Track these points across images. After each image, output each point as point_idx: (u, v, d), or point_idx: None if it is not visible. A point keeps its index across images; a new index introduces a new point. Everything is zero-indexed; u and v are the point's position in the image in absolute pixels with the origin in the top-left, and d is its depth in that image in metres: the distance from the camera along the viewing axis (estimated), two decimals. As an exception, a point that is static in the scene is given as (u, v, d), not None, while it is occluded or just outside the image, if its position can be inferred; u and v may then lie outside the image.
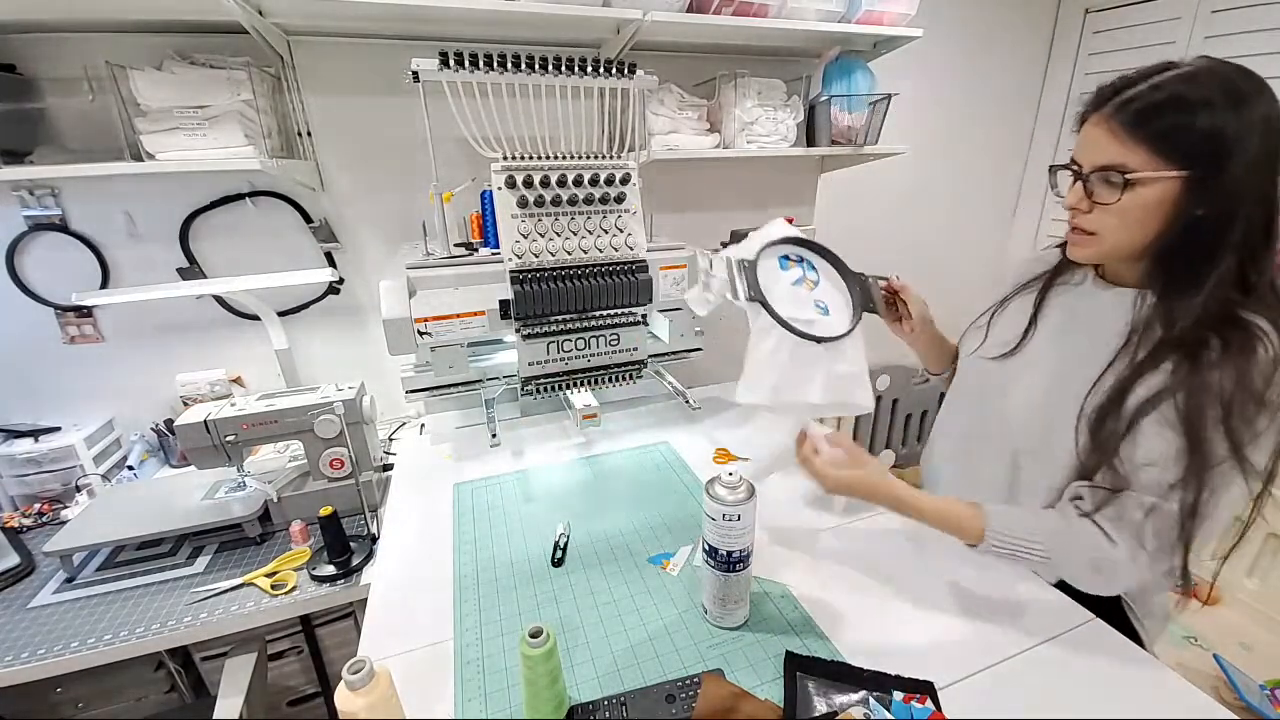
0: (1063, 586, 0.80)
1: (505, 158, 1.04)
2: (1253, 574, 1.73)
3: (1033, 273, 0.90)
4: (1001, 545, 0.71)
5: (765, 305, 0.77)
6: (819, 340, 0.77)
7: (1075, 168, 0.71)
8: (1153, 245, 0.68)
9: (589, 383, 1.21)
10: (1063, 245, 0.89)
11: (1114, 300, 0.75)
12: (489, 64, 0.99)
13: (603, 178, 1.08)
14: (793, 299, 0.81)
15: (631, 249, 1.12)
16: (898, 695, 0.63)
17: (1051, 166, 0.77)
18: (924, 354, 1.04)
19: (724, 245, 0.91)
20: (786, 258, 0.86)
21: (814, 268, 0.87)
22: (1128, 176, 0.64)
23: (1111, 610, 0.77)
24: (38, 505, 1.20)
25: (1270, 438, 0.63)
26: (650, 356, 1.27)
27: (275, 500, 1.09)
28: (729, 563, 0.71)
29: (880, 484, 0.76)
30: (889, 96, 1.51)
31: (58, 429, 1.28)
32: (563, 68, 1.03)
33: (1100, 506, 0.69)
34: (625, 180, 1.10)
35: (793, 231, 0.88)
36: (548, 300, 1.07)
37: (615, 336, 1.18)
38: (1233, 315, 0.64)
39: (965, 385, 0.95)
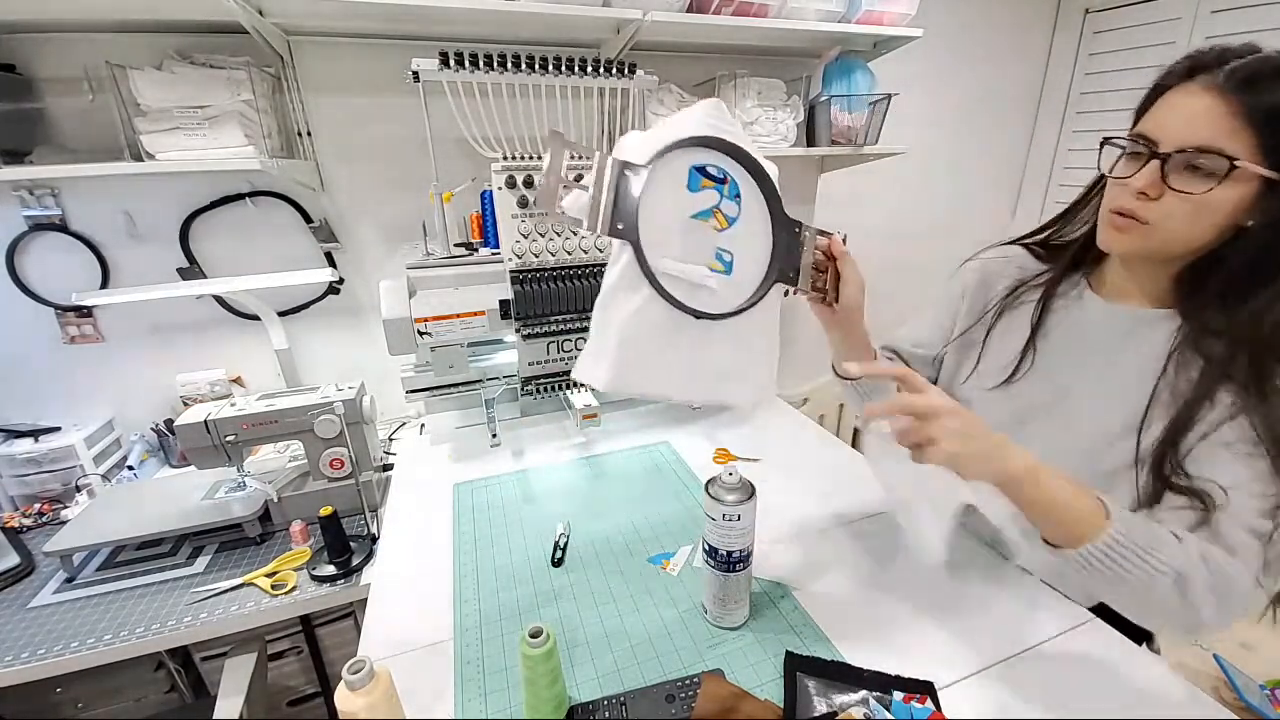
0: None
1: (505, 158, 1.04)
2: (1253, 574, 1.73)
3: (1009, 276, 0.81)
4: (1115, 550, 0.55)
5: (635, 247, 0.56)
6: (697, 315, 0.59)
7: (1148, 144, 0.60)
8: (1200, 252, 0.61)
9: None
10: (1036, 239, 0.82)
11: (1124, 318, 0.70)
12: (489, 64, 0.99)
13: (603, 178, 1.08)
14: (686, 238, 0.59)
15: (631, 249, 1.12)
16: (898, 695, 0.63)
17: (1106, 139, 0.65)
18: (839, 347, 0.81)
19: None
20: (702, 170, 0.60)
21: (738, 195, 0.61)
22: (1236, 163, 0.54)
23: (1112, 611, 0.76)
24: (38, 505, 1.20)
25: None
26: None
27: (275, 500, 1.09)
28: (729, 563, 0.71)
29: (1000, 438, 0.58)
30: (889, 96, 1.52)
31: (58, 429, 1.28)
32: (563, 68, 1.03)
33: (1197, 528, 0.59)
34: (625, 180, 1.10)
35: (722, 126, 0.60)
36: (548, 300, 1.07)
37: (615, 336, 1.17)
38: None
39: None
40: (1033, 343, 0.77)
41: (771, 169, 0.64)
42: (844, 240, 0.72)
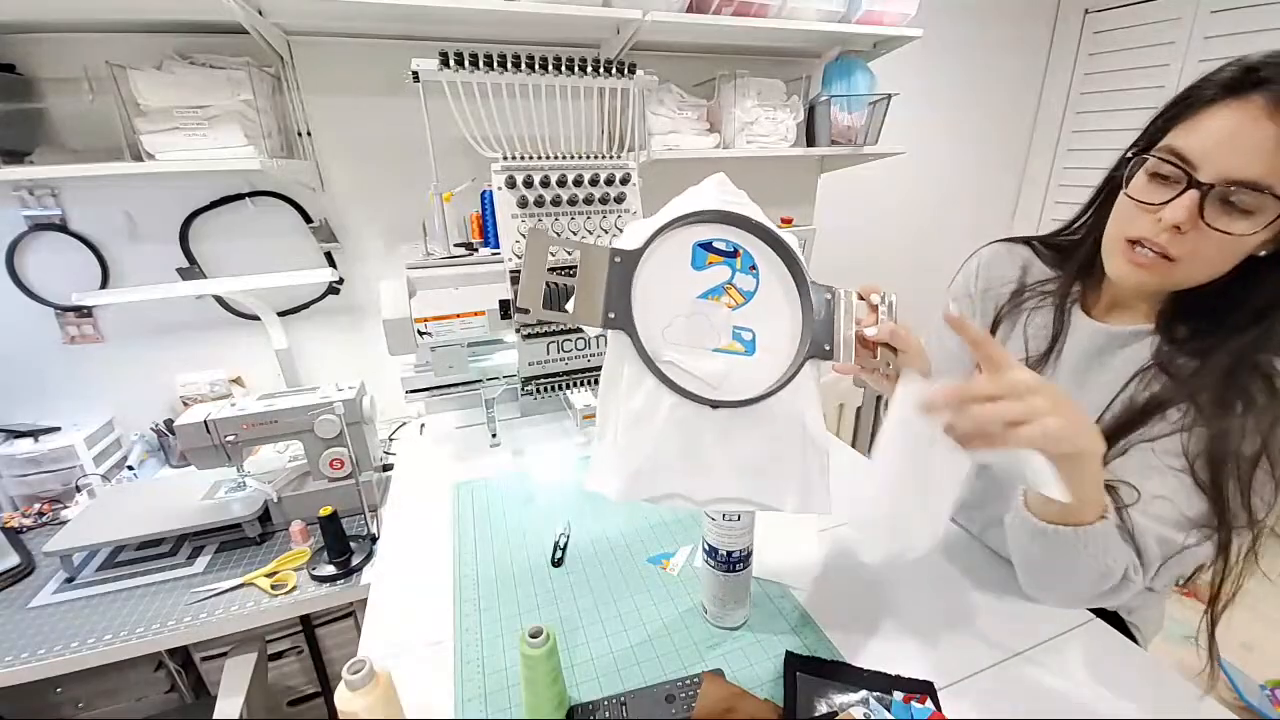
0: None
1: (505, 158, 1.04)
2: (1253, 574, 1.73)
3: (1011, 279, 0.78)
4: (1096, 538, 0.56)
5: (631, 335, 0.52)
6: (714, 405, 0.52)
7: (1185, 167, 0.52)
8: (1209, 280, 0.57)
9: (589, 383, 1.21)
10: (1044, 241, 0.79)
11: (1099, 336, 0.68)
12: (489, 64, 0.99)
13: (603, 178, 1.08)
14: (695, 321, 0.54)
15: (631, 249, 1.12)
16: (898, 695, 0.63)
17: (1134, 154, 0.57)
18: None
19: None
20: (708, 246, 0.55)
21: (754, 266, 0.56)
22: None
23: (1108, 614, 0.76)
24: (38, 505, 1.20)
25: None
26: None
27: (275, 500, 1.09)
28: (729, 563, 0.71)
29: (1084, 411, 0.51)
30: (889, 96, 1.52)
31: (58, 429, 1.28)
32: (563, 68, 1.03)
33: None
34: (625, 180, 1.10)
35: (727, 199, 0.56)
36: (548, 300, 1.07)
37: (615, 336, 1.17)
38: (1265, 366, 0.54)
39: None
40: (1027, 358, 0.73)
41: (790, 238, 0.58)
42: (889, 305, 0.60)
